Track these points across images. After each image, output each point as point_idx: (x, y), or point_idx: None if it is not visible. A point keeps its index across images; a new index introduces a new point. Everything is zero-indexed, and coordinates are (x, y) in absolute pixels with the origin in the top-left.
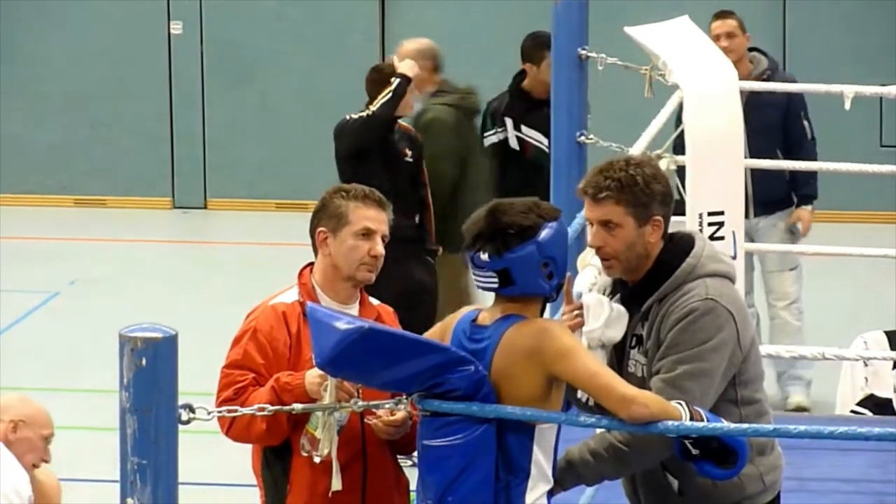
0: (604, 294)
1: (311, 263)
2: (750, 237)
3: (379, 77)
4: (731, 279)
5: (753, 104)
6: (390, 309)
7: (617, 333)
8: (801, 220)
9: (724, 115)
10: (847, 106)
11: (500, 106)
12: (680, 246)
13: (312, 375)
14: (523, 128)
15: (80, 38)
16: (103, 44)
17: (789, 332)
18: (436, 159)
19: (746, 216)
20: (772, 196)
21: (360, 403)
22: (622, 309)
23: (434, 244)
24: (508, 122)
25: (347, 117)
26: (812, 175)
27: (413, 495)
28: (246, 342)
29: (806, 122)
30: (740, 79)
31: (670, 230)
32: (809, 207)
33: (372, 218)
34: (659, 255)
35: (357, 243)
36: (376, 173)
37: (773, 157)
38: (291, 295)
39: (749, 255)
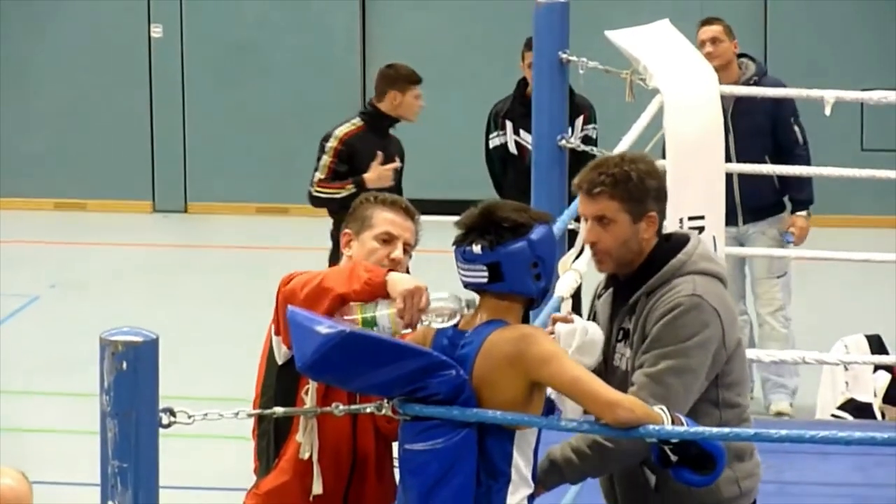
0: (598, 289)
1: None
2: (739, 244)
3: (393, 74)
4: (722, 280)
5: (740, 110)
6: None
7: (591, 360)
8: (795, 227)
9: (704, 120)
10: (827, 111)
11: (502, 109)
12: (674, 243)
13: (401, 277)
14: (521, 132)
15: (62, 42)
16: (84, 47)
17: (777, 339)
18: None
19: (735, 223)
20: (760, 202)
21: (342, 408)
22: (596, 334)
23: None
24: (508, 125)
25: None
26: (807, 180)
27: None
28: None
29: (797, 128)
30: (728, 84)
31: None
32: (804, 213)
33: (395, 223)
34: (652, 250)
35: (376, 246)
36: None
37: (761, 162)
38: None
39: (741, 263)
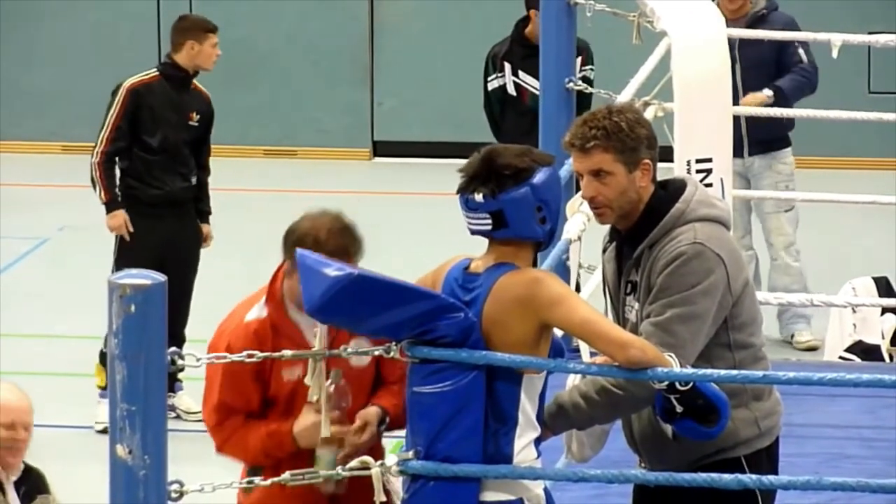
0: (603, 244)
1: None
2: (744, 177)
3: (188, 25)
4: (724, 223)
5: (747, 41)
6: None
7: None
8: (752, 97)
9: (711, 62)
10: (834, 54)
11: (500, 51)
12: (671, 191)
13: (302, 426)
14: (521, 73)
15: None
16: None
17: (790, 273)
18: None
19: (741, 155)
20: (766, 135)
21: (349, 349)
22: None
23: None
24: (507, 67)
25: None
26: (797, 87)
27: (398, 443)
28: (222, 380)
29: (801, 50)
30: (738, 17)
31: (664, 177)
32: (769, 93)
33: None
34: (650, 200)
35: None
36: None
37: None
38: (262, 309)
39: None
